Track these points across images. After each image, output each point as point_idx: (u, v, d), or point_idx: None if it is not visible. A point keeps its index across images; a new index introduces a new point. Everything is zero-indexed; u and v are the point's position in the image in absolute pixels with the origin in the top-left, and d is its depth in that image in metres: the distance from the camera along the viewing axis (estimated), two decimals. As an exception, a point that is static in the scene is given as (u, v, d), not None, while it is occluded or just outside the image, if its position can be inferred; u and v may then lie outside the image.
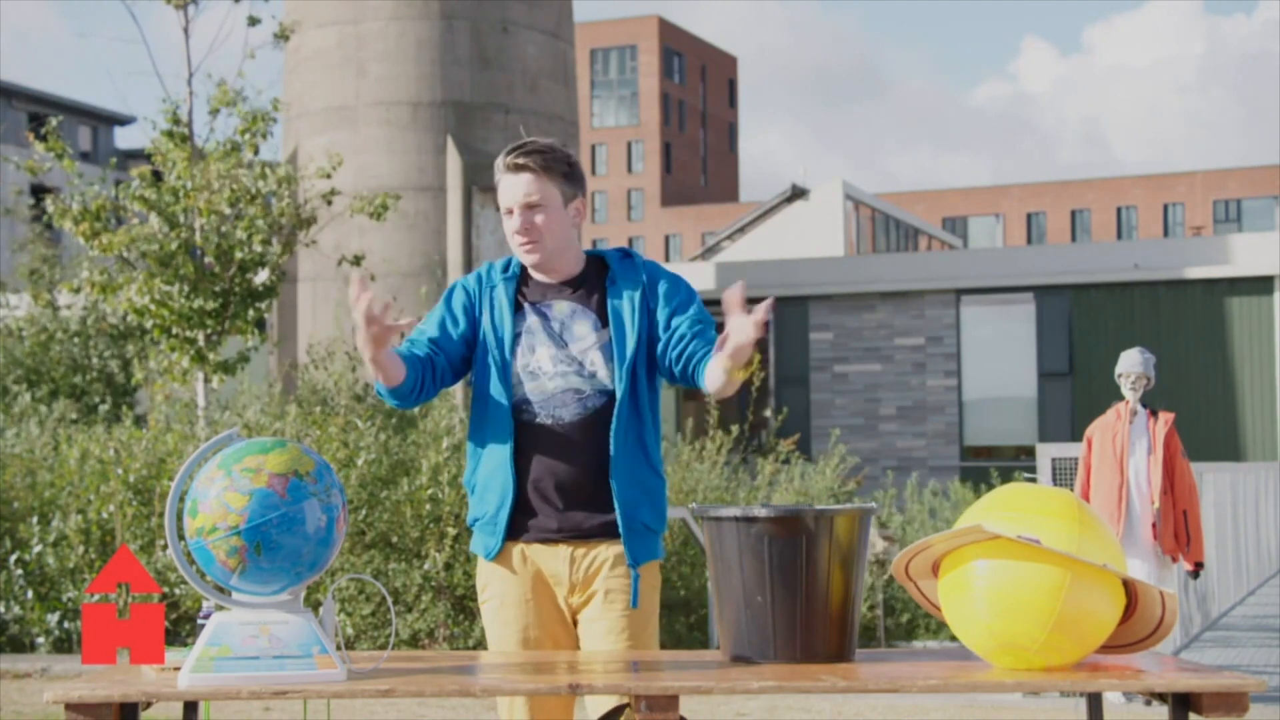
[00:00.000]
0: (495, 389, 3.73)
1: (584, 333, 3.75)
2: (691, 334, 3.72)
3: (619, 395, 3.72)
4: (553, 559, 3.71)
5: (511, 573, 3.73)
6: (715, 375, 3.54)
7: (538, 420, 3.71)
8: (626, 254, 3.89)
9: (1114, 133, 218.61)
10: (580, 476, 3.69)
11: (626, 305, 3.77)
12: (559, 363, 3.73)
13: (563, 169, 3.74)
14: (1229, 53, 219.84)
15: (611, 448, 3.69)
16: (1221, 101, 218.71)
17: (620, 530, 3.70)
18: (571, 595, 3.72)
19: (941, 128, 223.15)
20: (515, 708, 3.68)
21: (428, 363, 3.73)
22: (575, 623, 3.75)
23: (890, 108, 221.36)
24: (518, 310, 3.78)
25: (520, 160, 3.72)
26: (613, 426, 3.70)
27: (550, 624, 3.72)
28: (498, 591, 3.74)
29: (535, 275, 3.83)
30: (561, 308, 3.77)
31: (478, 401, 3.78)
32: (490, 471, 3.74)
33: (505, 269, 3.85)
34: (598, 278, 3.82)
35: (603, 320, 3.76)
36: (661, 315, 3.77)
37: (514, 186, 3.73)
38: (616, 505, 3.69)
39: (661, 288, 3.80)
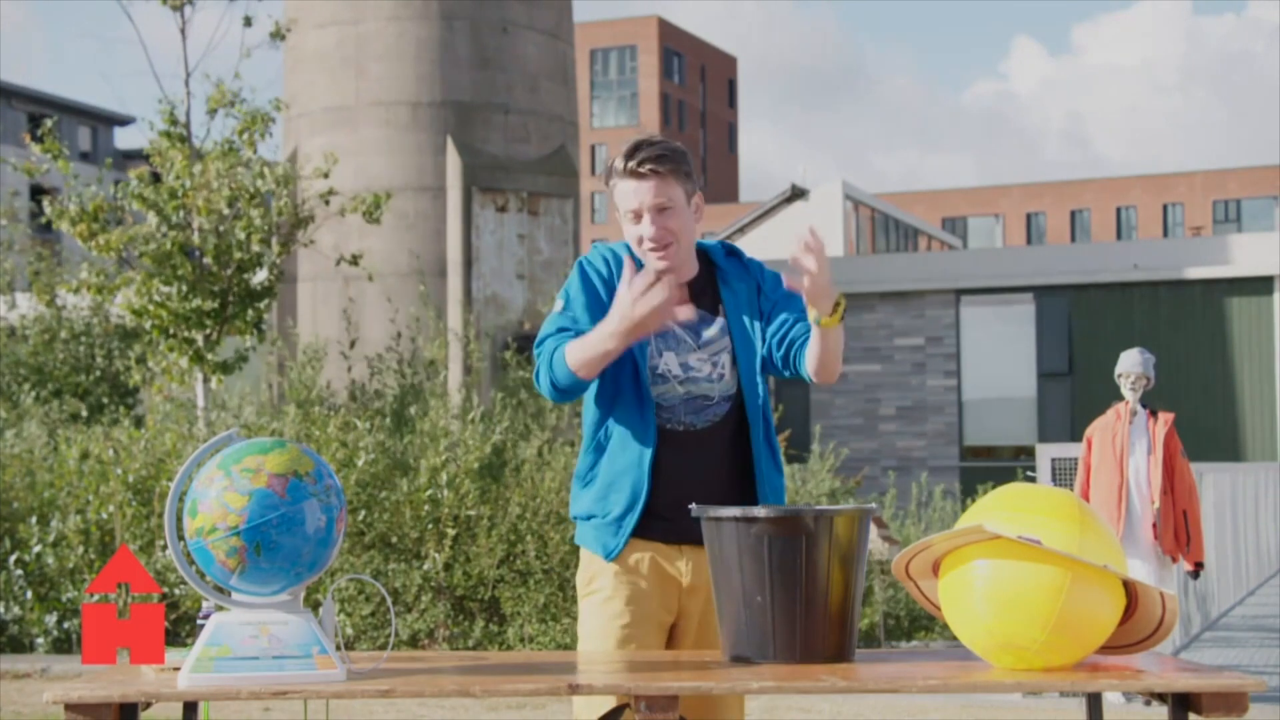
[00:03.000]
0: (633, 389, 3.66)
1: (713, 336, 3.73)
2: (794, 319, 3.70)
3: (753, 400, 3.70)
4: (675, 559, 3.68)
5: (628, 567, 3.67)
6: (811, 347, 3.56)
7: (669, 426, 3.67)
8: (731, 250, 3.84)
9: (1104, 132, 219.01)
10: (714, 483, 3.67)
11: (746, 308, 3.75)
12: (689, 368, 3.69)
13: (685, 168, 3.69)
14: (1218, 52, 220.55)
15: (754, 455, 3.69)
16: (1209, 101, 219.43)
17: None
18: (689, 598, 3.68)
19: (932, 127, 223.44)
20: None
21: None
22: (675, 622, 3.71)
23: (881, 107, 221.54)
24: None
25: (647, 167, 3.64)
26: (753, 433, 3.69)
27: (650, 622, 3.66)
28: (609, 584, 3.68)
29: None
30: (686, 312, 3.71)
31: (604, 397, 3.70)
32: (620, 471, 3.67)
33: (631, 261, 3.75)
34: (709, 277, 3.79)
35: (727, 325, 3.74)
36: (768, 309, 3.76)
37: (640, 191, 3.65)
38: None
39: (768, 285, 3.78)
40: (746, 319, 3.75)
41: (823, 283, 3.40)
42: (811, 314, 3.48)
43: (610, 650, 3.62)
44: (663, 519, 3.66)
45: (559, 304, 3.75)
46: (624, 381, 3.68)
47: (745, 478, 3.71)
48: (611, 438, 3.70)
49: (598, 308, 3.68)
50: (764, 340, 3.74)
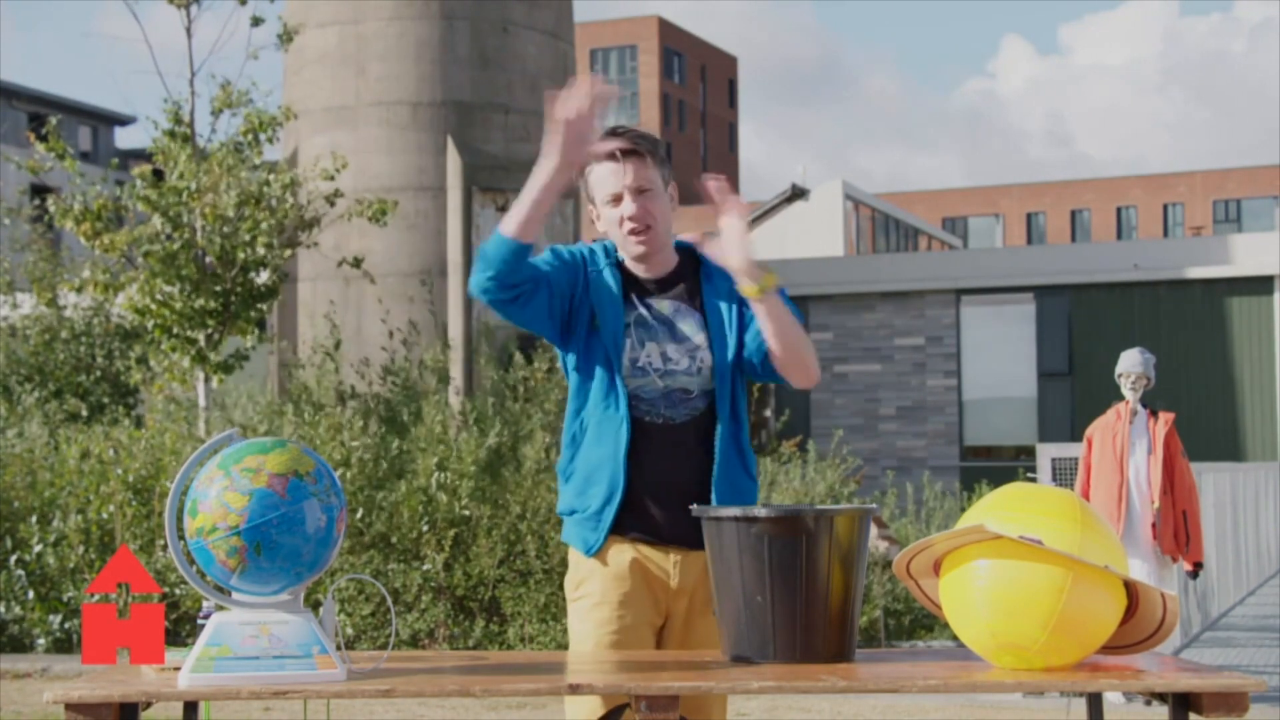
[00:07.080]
0: (608, 381, 3.64)
1: (692, 331, 3.70)
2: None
3: (722, 398, 3.67)
4: (662, 561, 3.65)
5: (615, 571, 3.64)
6: (761, 330, 3.57)
7: (648, 419, 3.64)
8: None
9: (1091, 131, 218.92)
10: (688, 479, 3.64)
11: (725, 305, 3.71)
12: (669, 360, 3.66)
13: (661, 154, 3.69)
14: (1206, 52, 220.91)
15: (716, 455, 3.66)
16: (1198, 100, 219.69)
17: None
18: (676, 600, 3.66)
19: (918, 126, 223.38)
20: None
21: (542, 279, 3.60)
22: (663, 626, 3.70)
23: (865, 106, 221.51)
24: (625, 300, 3.69)
25: (628, 146, 3.63)
26: (718, 433, 3.66)
27: (641, 626, 3.64)
28: (597, 589, 3.65)
29: (632, 269, 3.73)
30: (663, 305, 3.70)
31: (582, 391, 3.68)
32: (597, 464, 3.64)
33: (606, 254, 3.72)
34: (693, 273, 3.76)
35: (704, 319, 3.71)
36: (747, 313, 3.71)
37: (619, 173, 3.64)
38: None
39: None
40: (724, 312, 3.71)
41: (743, 247, 3.45)
42: (741, 284, 3.52)
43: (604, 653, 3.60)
44: (647, 516, 3.64)
45: None
46: (595, 373, 3.66)
47: (707, 479, 3.68)
48: (587, 430, 3.67)
49: (563, 272, 3.65)
50: (743, 345, 3.70)
